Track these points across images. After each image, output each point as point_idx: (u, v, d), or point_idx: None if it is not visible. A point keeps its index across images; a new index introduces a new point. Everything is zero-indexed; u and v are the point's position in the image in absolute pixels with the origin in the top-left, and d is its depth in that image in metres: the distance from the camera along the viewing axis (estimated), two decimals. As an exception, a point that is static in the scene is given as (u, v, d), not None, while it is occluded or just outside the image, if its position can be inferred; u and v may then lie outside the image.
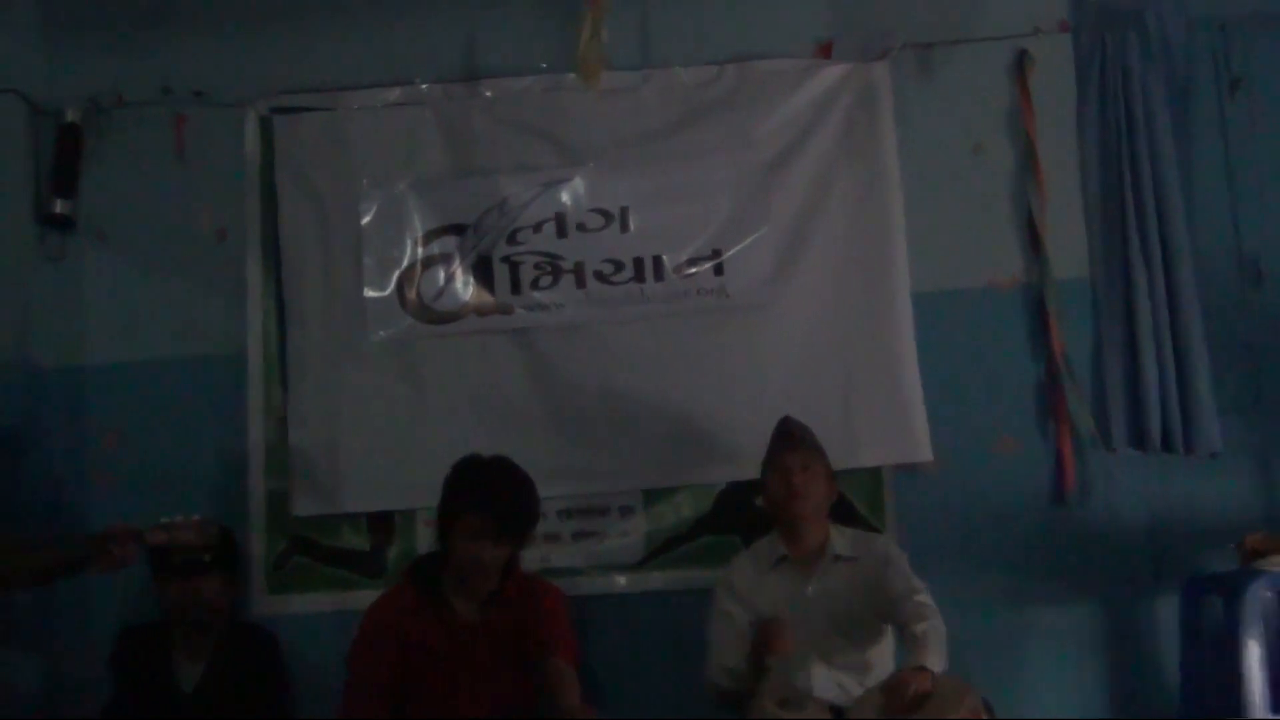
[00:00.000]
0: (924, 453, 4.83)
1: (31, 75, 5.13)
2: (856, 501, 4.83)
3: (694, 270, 4.94)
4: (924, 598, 4.06)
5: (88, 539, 3.95)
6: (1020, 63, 5.04)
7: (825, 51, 5.08)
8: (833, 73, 5.02)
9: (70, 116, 5.12)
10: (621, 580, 4.87)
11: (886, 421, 4.84)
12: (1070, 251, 4.95)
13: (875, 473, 4.86)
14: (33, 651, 3.93)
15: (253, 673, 4.54)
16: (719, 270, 4.93)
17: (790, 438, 4.36)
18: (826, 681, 4.16)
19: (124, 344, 5.09)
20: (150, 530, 3.89)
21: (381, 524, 4.94)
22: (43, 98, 5.14)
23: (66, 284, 5.11)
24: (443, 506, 4.17)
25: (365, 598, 4.43)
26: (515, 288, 4.98)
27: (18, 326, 4.91)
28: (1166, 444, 4.83)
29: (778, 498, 4.32)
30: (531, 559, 4.72)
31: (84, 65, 5.20)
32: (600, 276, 4.96)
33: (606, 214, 5.00)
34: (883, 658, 4.25)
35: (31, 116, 5.12)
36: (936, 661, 3.88)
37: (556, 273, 4.97)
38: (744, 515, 4.72)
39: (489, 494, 4.08)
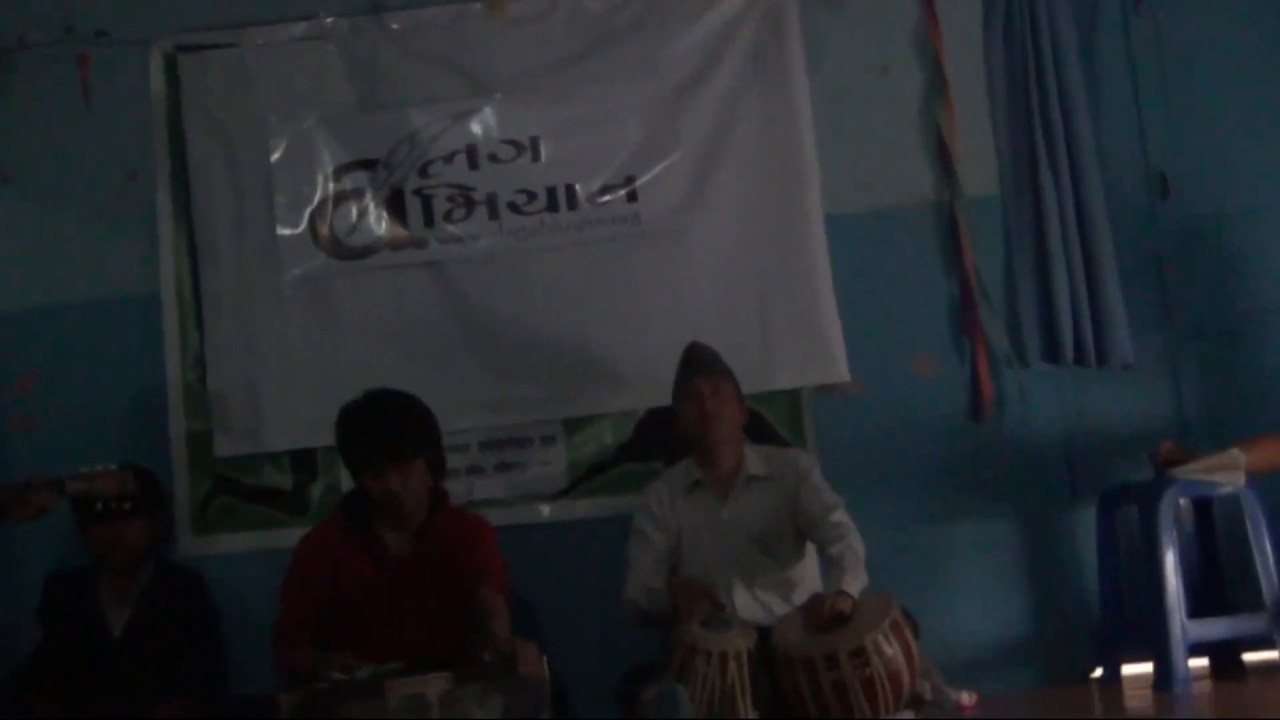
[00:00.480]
0: (841, 373, 4.93)
1: (-70, 19, 5.08)
2: (776, 424, 4.93)
3: (607, 198, 5.01)
4: (839, 515, 4.18)
5: (6, 488, 3.99)
6: (926, -20, 5.08)
7: (729, -26, 5.09)
8: (738, -4, 5.06)
9: (-30, 60, 5.08)
10: (545, 509, 4.96)
11: (803, 343, 4.94)
12: (980, 170, 5.06)
13: (794, 394, 4.96)
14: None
15: (180, 614, 4.59)
16: (632, 197, 5.00)
17: (698, 363, 4.44)
18: (749, 602, 4.28)
19: (35, 288, 5.11)
20: (69, 479, 3.93)
21: (304, 461, 5.00)
22: (-60, 41, 5.09)
23: (-27, 230, 5.09)
24: (340, 452, 4.25)
25: (291, 535, 4.48)
26: (428, 221, 5.03)
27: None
28: (1079, 357, 4.97)
29: (690, 423, 4.41)
30: (456, 491, 4.75)
31: (-16, 7, 5.15)
32: (513, 207, 5.01)
33: (518, 144, 5.05)
34: (808, 574, 4.37)
35: (-72, 60, 5.07)
36: (853, 582, 4.00)
37: (469, 204, 5.01)
38: (665, 441, 4.74)
39: (369, 428, 4.12)
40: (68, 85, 5.16)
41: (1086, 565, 4.86)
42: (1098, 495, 4.83)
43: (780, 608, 4.24)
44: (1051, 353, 4.98)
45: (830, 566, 4.11)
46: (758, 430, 4.68)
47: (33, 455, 4.87)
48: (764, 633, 4.07)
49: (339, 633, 4.09)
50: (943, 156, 5.02)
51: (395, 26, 5.12)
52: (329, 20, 5.14)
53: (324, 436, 4.68)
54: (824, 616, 3.92)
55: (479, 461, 4.96)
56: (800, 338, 4.93)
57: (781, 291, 4.95)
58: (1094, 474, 4.94)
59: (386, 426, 4.10)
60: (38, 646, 4.57)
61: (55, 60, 5.16)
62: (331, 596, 4.12)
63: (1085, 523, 4.87)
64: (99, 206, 5.12)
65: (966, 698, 4.32)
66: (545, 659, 3.76)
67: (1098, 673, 4.78)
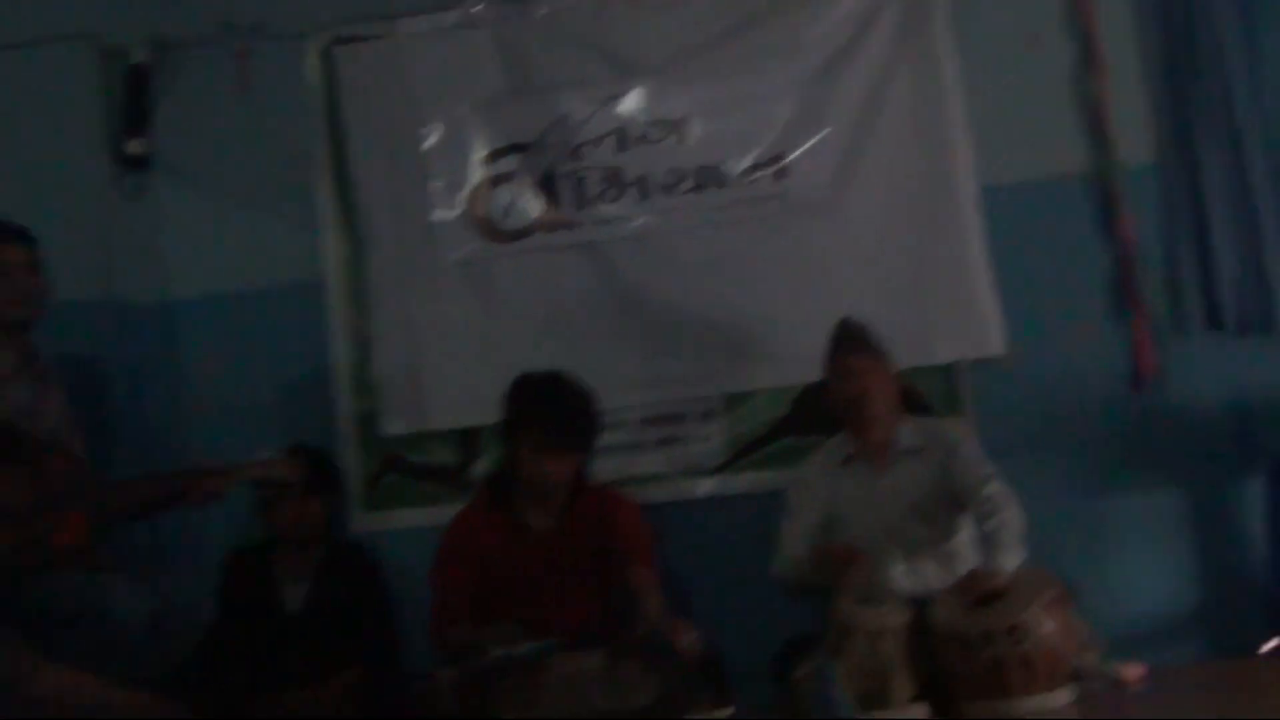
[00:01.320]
0: (998, 345, 4.98)
1: (97, 18, 5.33)
2: (932, 397, 4.99)
3: (756, 176, 5.11)
4: (993, 488, 4.22)
5: (182, 475, 4.25)
6: (1073, -52, 5.10)
7: (875, -49, 5.16)
8: (884, -29, 5.13)
9: (137, 57, 5.35)
10: (705, 484, 5.08)
11: (958, 316, 5.00)
12: (1136, 138, 5.05)
13: (950, 367, 5.02)
14: (144, 581, 4.17)
15: (354, 590, 4.80)
16: (781, 175, 5.10)
17: (850, 340, 4.53)
18: (908, 574, 4.36)
19: (207, 277, 5.37)
20: (241, 466, 4.16)
21: (467, 439, 5.19)
22: (109, 40, 5.35)
23: (147, 222, 5.39)
24: (504, 424, 4.40)
25: (456, 511, 4.64)
26: (581, 202, 5.18)
27: (104, 266, 5.17)
28: (1243, 325, 4.94)
29: (843, 400, 4.49)
30: (616, 468, 4.96)
31: (147, 5, 5.41)
32: (663, 188, 5.15)
33: (666, 125, 5.17)
34: (967, 547, 4.41)
35: (100, 60, 5.34)
36: (1009, 559, 4.05)
37: (620, 185, 5.15)
38: (822, 415, 4.79)
39: (545, 409, 4.28)
40: (228, 79, 5.41)
41: (1254, 536, 4.83)
42: (1266, 464, 4.78)
43: (940, 579, 4.32)
44: (1214, 320, 4.97)
45: (985, 541, 4.17)
46: (913, 404, 4.75)
47: (210, 438, 5.16)
48: (924, 605, 4.16)
49: (493, 611, 4.25)
50: (1096, 126, 5.03)
51: (543, 11, 5.27)
52: (478, 8, 5.30)
53: (486, 414, 4.86)
54: (980, 592, 3.99)
55: (638, 437, 5.11)
56: (955, 311, 4.99)
57: (935, 264, 5.01)
58: (1261, 443, 4.90)
59: (566, 414, 4.29)
60: (215, 623, 4.77)
61: (216, 55, 5.42)
62: (480, 575, 4.30)
63: (1252, 493, 4.84)
64: (263, 196, 5.37)
65: (1133, 671, 4.31)
66: (700, 636, 3.87)
67: (1268, 645, 4.75)
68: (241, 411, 5.21)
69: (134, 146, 5.32)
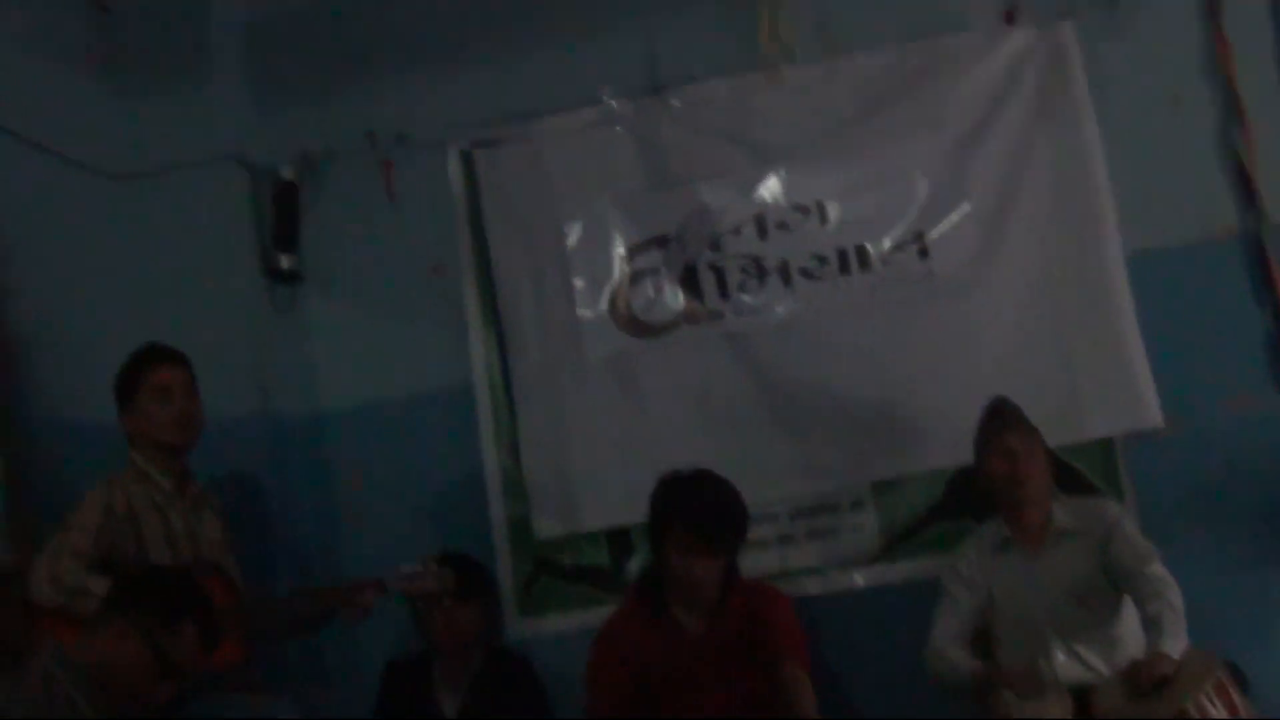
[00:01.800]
0: (1154, 417, 4.87)
1: (246, 138, 5.54)
2: (1089, 474, 4.90)
3: (899, 256, 5.09)
4: (1155, 569, 4.13)
5: (334, 591, 4.34)
6: (1211, 4, 4.99)
7: (1009, 18, 5.12)
8: (1019, 39, 5.10)
9: (285, 174, 5.52)
10: (860, 576, 5.04)
11: (1112, 389, 4.90)
12: (1285, 196, 4.91)
13: (1106, 443, 4.92)
14: (300, 698, 4.27)
15: (513, 697, 4.85)
16: (924, 253, 5.07)
17: (1006, 418, 4.47)
18: (1069, 661, 4.27)
19: (357, 386, 5.48)
20: (391, 579, 4.23)
21: (619, 539, 5.22)
22: (258, 158, 5.55)
23: (297, 335, 5.54)
24: (651, 524, 4.39)
25: (610, 612, 4.66)
26: (723, 293, 5.20)
27: (257, 379, 5.32)
28: None
29: (1000, 481, 4.42)
30: (769, 561, 4.95)
31: (292, 122, 5.61)
32: (805, 272, 5.14)
33: (804, 209, 5.18)
34: (1129, 629, 4.29)
35: (250, 178, 5.53)
36: (1173, 644, 3.95)
37: (762, 273, 5.16)
38: (976, 499, 4.73)
39: (693, 510, 4.27)
40: (374, 189, 5.54)
41: None
42: None
43: (1101, 665, 4.24)
44: (1386, 384, 4.80)
45: (1148, 626, 4.07)
46: (1069, 481, 4.69)
47: (363, 547, 5.27)
48: (1084, 693, 4.06)
49: (647, 713, 4.24)
50: (1244, 184, 4.91)
51: (677, 104, 5.32)
52: (614, 104, 5.36)
53: (637, 514, 4.86)
54: (1145, 682, 3.89)
55: (789, 530, 5.09)
56: (1108, 383, 4.90)
57: (1085, 336, 4.94)
58: None
59: (712, 515, 4.27)
60: None
61: (361, 167, 5.55)
62: (634, 677, 4.29)
63: None
64: (410, 303, 5.47)
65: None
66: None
67: None
68: (394, 520, 5.30)
69: (284, 261, 5.47)
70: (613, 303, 5.28)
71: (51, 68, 5.13)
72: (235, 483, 5.03)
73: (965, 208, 5.04)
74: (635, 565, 5.14)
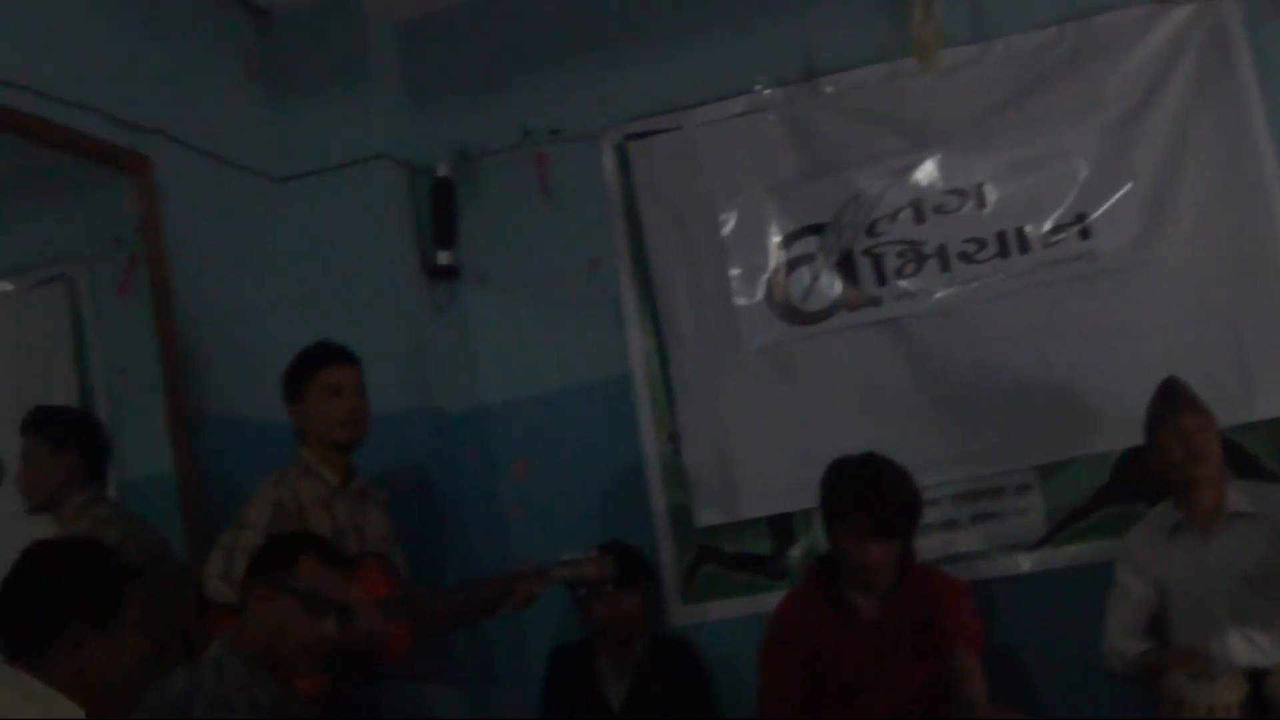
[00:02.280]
0: (1327, 396, 4.77)
1: (401, 137, 5.64)
2: (1262, 455, 4.83)
3: (1059, 238, 5.05)
4: None
5: (497, 581, 4.40)
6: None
7: (1165, -4, 5.07)
8: (1179, 15, 5.03)
9: (441, 171, 5.62)
10: (1025, 560, 5.02)
11: (1282, 367, 4.82)
12: None
13: (1277, 422, 4.82)
14: (466, 690, 4.34)
15: (677, 685, 4.90)
16: (1085, 234, 5.03)
17: (1179, 399, 4.40)
18: (1243, 646, 4.22)
19: (517, 380, 5.57)
20: (553, 567, 4.29)
21: (781, 526, 5.24)
22: (415, 157, 5.65)
23: (458, 329, 5.63)
24: (823, 510, 4.40)
25: (773, 600, 4.70)
26: (880, 279, 5.20)
27: (420, 376, 5.41)
28: None
29: (1175, 462, 4.36)
30: (933, 546, 4.95)
31: (447, 120, 5.70)
32: (964, 257, 5.13)
33: (962, 193, 5.16)
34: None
35: (406, 176, 5.62)
36: None
37: (919, 259, 5.16)
38: (1144, 482, 4.71)
39: (864, 496, 4.26)
40: (529, 184, 5.61)
41: None
42: None
43: (1276, 649, 4.18)
44: None
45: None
46: (1240, 464, 4.62)
47: (528, 539, 5.36)
48: (1258, 676, 4.02)
49: (820, 700, 4.26)
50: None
51: (830, 90, 5.33)
52: (766, 92, 5.39)
53: (798, 501, 4.93)
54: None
55: (954, 515, 5.08)
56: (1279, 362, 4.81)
57: (1253, 314, 4.88)
58: None
59: (885, 500, 4.26)
60: None
61: (515, 162, 5.63)
62: (808, 662, 4.30)
63: None
64: (567, 296, 5.54)
65: None
66: (1023, 720, 3.82)
67: None
68: (557, 511, 5.39)
69: (442, 258, 5.58)
70: (769, 291, 5.31)
71: (214, 76, 5.29)
72: (400, 477, 5.13)
73: (1126, 188, 4.98)
74: (797, 553, 5.17)
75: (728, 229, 5.36)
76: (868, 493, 4.27)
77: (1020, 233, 5.07)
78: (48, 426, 4.43)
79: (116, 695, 2.99)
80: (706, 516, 5.29)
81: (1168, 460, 4.37)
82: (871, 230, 5.21)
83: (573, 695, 4.92)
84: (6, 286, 4.71)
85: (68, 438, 4.38)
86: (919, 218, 5.17)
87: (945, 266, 5.13)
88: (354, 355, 4.56)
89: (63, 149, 4.50)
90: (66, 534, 4.22)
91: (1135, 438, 4.52)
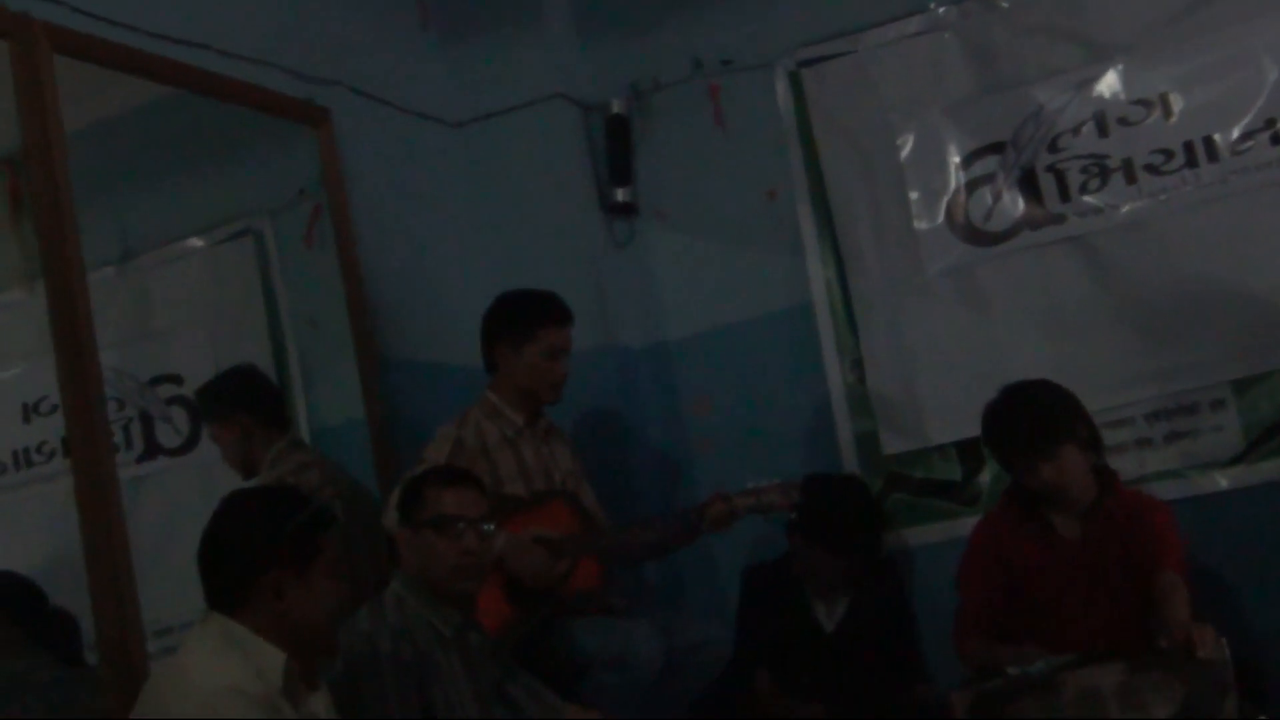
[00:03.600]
0: None
1: (574, 76, 5.73)
2: None
3: (1249, 145, 4.90)
4: None
5: (687, 512, 4.46)
6: None
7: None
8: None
9: (616, 108, 5.67)
10: (1222, 478, 4.91)
11: None
12: None
13: None
14: (658, 624, 4.42)
15: (887, 610, 4.95)
16: (1276, 140, 4.88)
17: None
18: None
19: (699, 314, 5.61)
20: (737, 496, 4.33)
21: (969, 451, 5.18)
22: (587, 96, 5.72)
23: (638, 267, 5.70)
24: (986, 445, 4.42)
25: (965, 525, 4.72)
26: (1064, 195, 5.12)
27: (601, 314, 5.51)
28: None
29: None
30: (1127, 466, 4.87)
31: (619, 56, 5.76)
32: (1150, 169, 5.02)
33: (1146, 103, 5.05)
34: None
35: (580, 115, 5.70)
36: None
37: (1104, 173, 5.07)
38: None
39: (1008, 428, 4.27)
40: (703, 117, 5.63)
41: None
42: None
43: None
44: None
45: None
46: None
47: (716, 473, 5.37)
48: None
49: (1018, 622, 4.25)
50: None
51: (1005, 4, 5.25)
52: (940, 10, 5.33)
53: (984, 425, 4.86)
54: None
55: (1147, 434, 5.00)
56: None
57: None
58: None
59: (1024, 422, 4.23)
60: (740, 637, 4.84)
61: (688, 95, 5.66)
62: (1006, 584, 4.30)
63: None
64: (745, 228, 5.56)
65: None
66: (1227, 641, 3.75)
67: None
68: (743, 443, 5.42)
69: (620, 195, 5.65)
70: (950, 213, 5.26)
71: (389, 26, 5.44)
72: (585, 414, 5.24)
73: (1319, 89, 4.84)
74: (987, 478, 5.13)
75: (905, 152, 5.32)
76: (1013, 418, 4.26)
77: (1208, 141, 4.93)
78: (206, 404, 4.65)
79: (316, 638, 3.11)
80: (893, 443, 5.28)
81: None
82: (1053, 146, 5.12)
83: (778, 614, 4.91)
84: (197, 243, 4.90)
85: (228, 405, 4.56)
86: (1102, 131, 5.07)
87: (1131, 179, 5.02)
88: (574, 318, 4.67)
89: (245, 104, 4.67)
90: (267, 481, 4.40)
91: (1338, 347, 4.42)
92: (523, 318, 4.60)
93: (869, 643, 4.85)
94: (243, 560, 3.04)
